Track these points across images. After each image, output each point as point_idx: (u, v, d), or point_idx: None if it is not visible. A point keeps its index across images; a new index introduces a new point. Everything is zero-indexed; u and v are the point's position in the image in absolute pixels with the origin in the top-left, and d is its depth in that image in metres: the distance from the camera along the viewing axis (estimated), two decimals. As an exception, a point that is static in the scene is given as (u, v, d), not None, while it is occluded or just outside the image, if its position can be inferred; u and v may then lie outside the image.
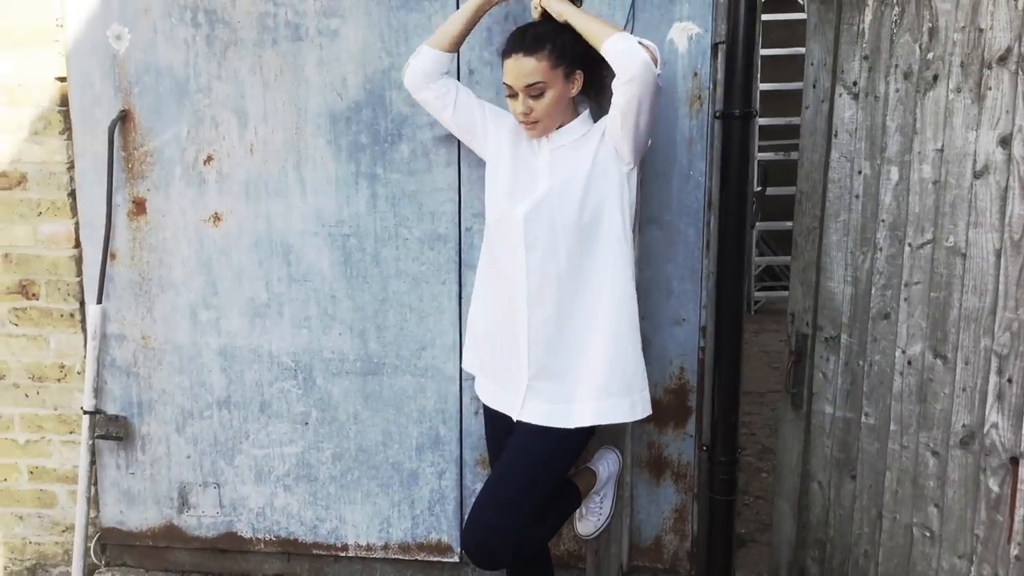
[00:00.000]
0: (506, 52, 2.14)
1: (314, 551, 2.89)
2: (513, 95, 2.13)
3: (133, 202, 2.74)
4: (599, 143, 2.14)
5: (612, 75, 2.07)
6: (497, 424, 2.31)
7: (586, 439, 2.23)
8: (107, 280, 2.78)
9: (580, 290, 2.15)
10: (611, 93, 2.07)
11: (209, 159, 2.69)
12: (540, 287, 2.14)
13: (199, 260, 2.74)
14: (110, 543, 2.99)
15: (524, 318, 2.16)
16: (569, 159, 2.16)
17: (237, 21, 2.59)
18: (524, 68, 2.08)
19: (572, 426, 2.17)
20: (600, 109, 2.22)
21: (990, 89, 1.96)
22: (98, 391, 2.84)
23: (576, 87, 2.15)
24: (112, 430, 2.83)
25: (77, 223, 2.79)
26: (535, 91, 2.09)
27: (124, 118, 2.69)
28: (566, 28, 2.11)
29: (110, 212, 2.72)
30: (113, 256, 2.77)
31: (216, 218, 2.72)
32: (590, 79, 2.17)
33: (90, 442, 2.83)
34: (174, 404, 2.84)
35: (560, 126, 2.18)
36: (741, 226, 2.44)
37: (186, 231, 2.73)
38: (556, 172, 2.16)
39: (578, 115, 2.20)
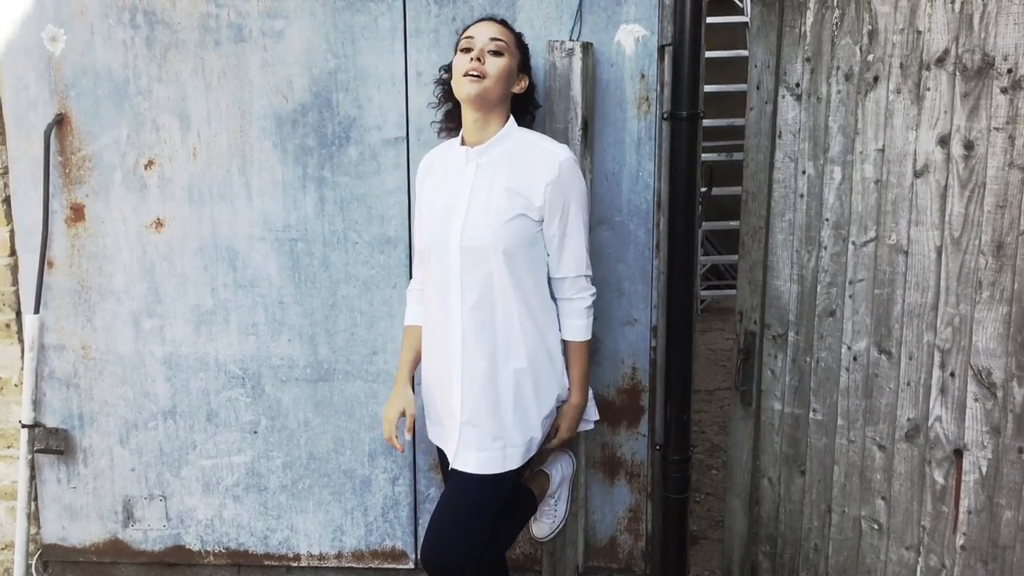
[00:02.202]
0: (471, 24, 2.17)
1: (265, 562, 2.84)
2: (468, 49, 2.09)
3: (71, 208, 2.66)
4: (527, 197, 2.08)
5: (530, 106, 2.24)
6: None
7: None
8: (44, 289, 2.69)
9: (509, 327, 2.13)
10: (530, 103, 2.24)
11: (150, 163, 2.62)
12: (475, 323, 2.11)
13: (141, 267, 2.68)
14: (52, 560, 2.90)
15: (459, 357, 2.13)
16: (491, 179, 2.11)
17: (178, 22, 2.54)
18: (493, 28, 2.11)
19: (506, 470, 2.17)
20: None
21: (929, 90, 2.01)
22: (37, 403, 2.75)
23: (520, 86, 2.17)
24: (52, 443, 2.75)
25: (12, 230, 2.70)
26: (496, 48, 2.08)
27: (61, 122, 2.61)
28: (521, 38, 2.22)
29: (47, 219, 2.64)
30: (51, 264, 2.69)
31: (158, 224, 2.65)
32: (524, 96, 2.21)
33: (29, 456, 2.74)
34: (117, 415, 2.77)
35: (488, 135, 2.13)
36: (690, 226, 2.46)
37: (127, 237, 2.66)
38: (477, 194, 2.10)
39: (506, 120, 2.15)
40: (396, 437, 2.28)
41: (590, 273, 2.21)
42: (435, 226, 2.14)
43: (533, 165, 2.09)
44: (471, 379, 2.12)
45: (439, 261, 2.13)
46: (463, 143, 2.17)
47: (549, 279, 2.19)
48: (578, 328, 2.20)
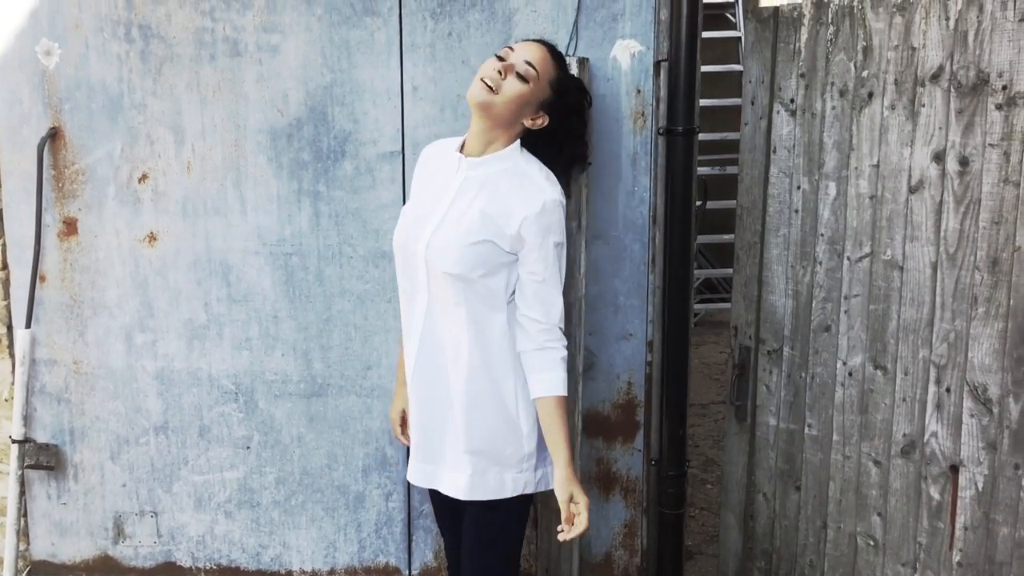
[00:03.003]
0: (528, 39, 2.07)
1: (257, 578, 2.82)
2: (502, 59, 1.98)
3: (64, 222, 2.65)
4: (500, 225, 1.96)
5: (572, 151, 2.12)
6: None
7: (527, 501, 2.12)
8: (36, 303, 2.67)
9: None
10: (561, 149, 2.10)
11: (144, 177, 2.61)
12: (430, 338, 2.04)
13: (134, 281, 2.66)
14: (41, 577, 2.87)
15: (412, 363, 2.08)
16: (473, 195, 2.00)
17: (173, 36, 2.53)
18: (534, 54, 1.99)
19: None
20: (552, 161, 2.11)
21: (923, 106, 2.02)
22: (27, 419, 2.72)
23: (537, 123, 2.02)
24: (42, 459, 2.73)
25: (4, 244, 2.68)
26: (524, 72, 1.95)
27: (54, 136, 2.60)
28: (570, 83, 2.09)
29: (39, 233, 2.63)
30: (43, 278, 2.67)
31: (152, 238, 2.64)
32: (549, 135, 2.06)
33: (19, 472, 2.71)
34: (108, 431, 2.74)
35: (488, 150, 2.03)
36: (686, 241, 2.46)
37: (120, 251, 2.65)
38: (456, 206, 2.00)
39: (512, 142, 2.04)
40: (404, 435, 2.30)
41: (563, 327, 2.02)
42: (408, 227, 2.05)
43: (517, 195, 1.97)
44: (419, 396, 2.08)
45: (406, 263, 2.05)
46: (462, 148, 2.08)
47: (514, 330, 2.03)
48: (553, 381, 1.97)
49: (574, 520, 1.96)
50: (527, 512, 2.15)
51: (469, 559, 2.11)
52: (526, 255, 1.98)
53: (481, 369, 2.01)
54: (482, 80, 1.96)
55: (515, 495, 2.05)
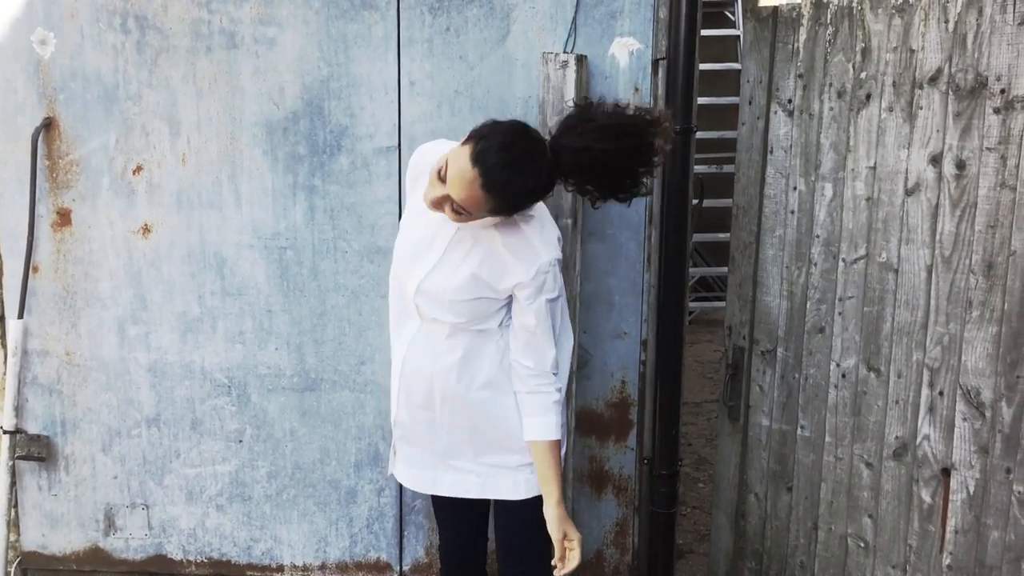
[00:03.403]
0: (469, 143, 1.79)
1: (248, 573, 2.81)
2: (443, 180, 1.80)
3: (57, 213, 2.64)
4: (494, 287, 1.93)
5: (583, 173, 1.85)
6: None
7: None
8: (29, 294, 2.66)
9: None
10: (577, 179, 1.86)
11: (139, 169, 2.60)
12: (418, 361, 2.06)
13: (128, 273, 2.65)
14: (31, 568, 2.86)
15: (396, 381, 2.11)
16: (468, 248, 1.94)
17: (169, 27, 2.52)
18: (473, 194, 1.76)
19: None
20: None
21: (921, 109, 2.01)
22: (19, 409, 2.71)
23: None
24: (34, 450, 2.72)
25: (-3, 234, 2.67)
26: (461, 210, 1.81)
27: (48, 126, 2.59)
28: (539, 185, 1.83)
29: (33, 223, 2.61)
30: (36, 269, 2.66)
31: (146, 229, 2.63)
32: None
33: (10, 463, 2.71)
34: (100, 422, 2.74)
35: None
36: (682, 240, 2.46)
37: (114, 243, 2.64)
38: (451, 255, 1.96)
39: None
40: None
41: (556, 372, 2.00)
42: (400, 263, 2.04)
43: (511, 259, 1.91)
44: (403, 416, 2.11)
45: (397, 298, 2.08)
46: None
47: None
48: (544, 425, 1.97)
49: (567, 556, 1.99)
50: None
51: (511, 542, 2.16)
52: (519, 308, 1.96)
53: (477, 385, 2.03)
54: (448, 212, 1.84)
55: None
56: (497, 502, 2.14)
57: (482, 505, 2.21)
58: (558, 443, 2.01)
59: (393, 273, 2.09)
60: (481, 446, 2.07)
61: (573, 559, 1.98)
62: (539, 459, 1.99)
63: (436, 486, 2.14)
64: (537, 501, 2.04)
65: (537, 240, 1.92)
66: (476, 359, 2.02)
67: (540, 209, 1.99)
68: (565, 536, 1.99)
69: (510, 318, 2.01)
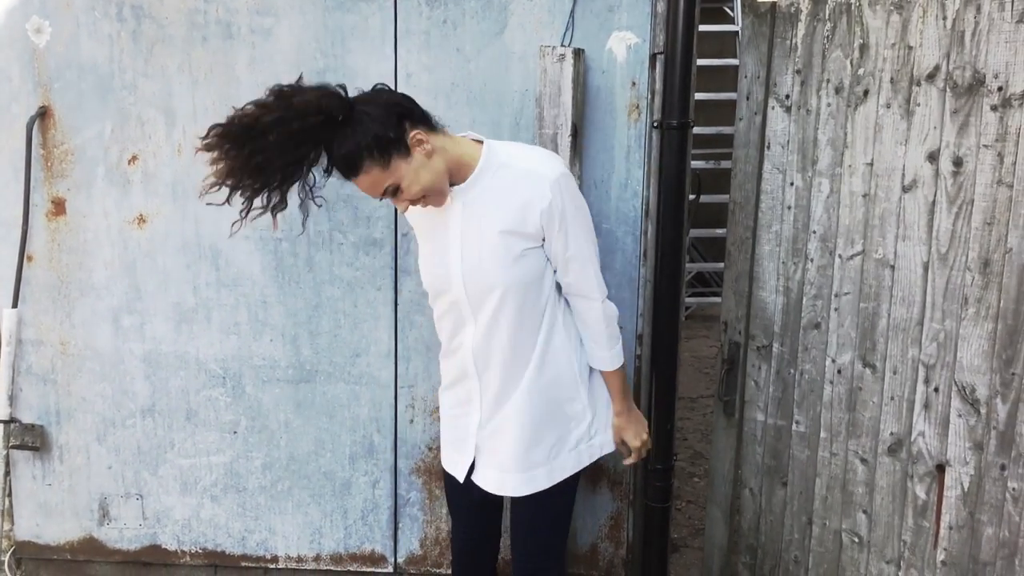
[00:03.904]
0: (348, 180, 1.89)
1: (242, 563, 2.81)
2: (381, 199, 1.92)
3: (52, 202, 2.63)
4: (514, 232, 1.93)
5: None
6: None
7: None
8: (23, 283, 2.66)
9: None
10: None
11: (134, 159, 2.59)
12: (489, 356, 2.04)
13: (122, 263, 2.64)
14: (26, 557, 2.86)
15: (476, 385, 2.07)
16: (480, 218, 1.94)
17: (165, 17, 2.51)
18: (364, 185, 1.86)
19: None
20: None
21: (919, 105, 2.01)
22: (13, 399, 2.71)
23: (427, 145, 1.86)
24: (28, 439, 2.71)
25: (-8, 223, 2.66)
26: (389, 194, 1.87)
27: (43, 115, 2.58)
28: (363, 119, 1.82)
29: (27, 212, 2.60)
30: (30, 258, 2.65)
31: (141, 220, 2.62)
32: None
33: (4, 452, 2.70)
34: (94, 412, 2.73)
35: (467, 175, 1.94)
36: (678, 235, 2.45)
37: (109, 233, 2.63)
38: (469, 236, 1.95)
39: (474, 159, 1.94)
40: None
41: (605, 293, 2.05)
42: (433, 273, 2.04)
43: (522, 196, 1.91)
44: (489, 404, 2.07)
45: (447, 304, 2.04)
46: None
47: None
48: (601, 359, 2.08)
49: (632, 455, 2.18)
50: (577, 484, 2.18)
51: (528, 540, 2.15)
52: (551, 237, 1.95)
53: (538, 370, 2.04)
54: (410, 204, 1.91)
55: (575, 471, 2.13)
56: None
57: (499, 500, 2.21)
58: (622, 371, 2.11)
59: (434, 291, 2.06)
60: (536, 438, 2.07)
61: (632, 456, 2.18)
62: (607, 381, 2.13)
63: (504, 487, 2.09)
64: (555, 491, 2.08)
65: (532, 165, 1.95)
66: (535, 328, 2.02)
67: (518, 148, 2.03)
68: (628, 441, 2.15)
69: (559, 293, 2.04)
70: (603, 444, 2.15)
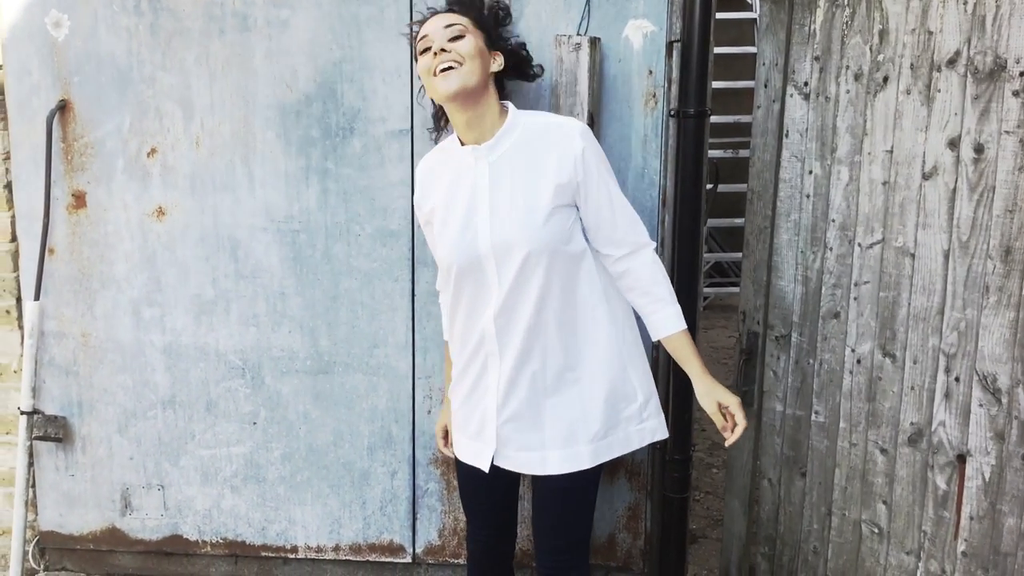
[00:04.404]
0: (425, 18, 2.01)
1: (262, 553, 2.83)
2: (427, 48, 1.93)
3: (73, 195, 2.65)
4: (549, 182, 1.93)
5: (527, 66, 2.13)
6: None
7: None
8: (45, 276, 2.68)
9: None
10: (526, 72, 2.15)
11: (153, 151, 2.61)
12: (514, 332, 2.00)
13: (142, 255, 2.66)
14: (49, 547, 2.90)
15: (496, 365, 2.02)
16: (510, 175, 1.95)
17: (183, 10, 2.52)
18: (444, 18, 1.96)
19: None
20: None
21: (939, 91, 1.99)
22: (36, 390, 2.74)
23: (497, 62, 2.00)
24: (51, 431, 2.75)
25: (13, 216, 2.69)
26: (454, 33, 1.92)
27: (63, 108, 2.60)
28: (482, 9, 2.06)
29: (48, 205, 2.63)
30: (51, 251, 2.68)
31: (160, 212, 2.64)
32: (512, 66, 2.09)
33: (28, 443, 2.73)
34: (116, 404, 2.76)
35: (492, 133, 1.97)
36: (696, 224, 2.44)
37: (128, 225, 2.65)
38: (499, 194, 1.95)
39: (506, 113, 2.00)
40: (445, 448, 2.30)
41: (654, 243, 2.04)
42: (457, 240, 1.97)
43: (553, 147, 1.94)
44: (509, 385, 2.01)
45: (471, 275, 1.98)
46: (462, 143, 2.01)
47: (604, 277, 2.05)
48: (668, 317, 2.03)
49: (729, 425, 2.04)
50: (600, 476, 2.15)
51: (553, 532, 2.10)
52: (589, 190, 1.96)
53: (575, 343, 2.01)
54: (439, 72, 1.91)
55: (640, 447, 2.10)
56: (539, 481, 2.08)
57: (515, 490, 2.20)
58: (686, 332, 2.05)
59: (460, 264, 1.98)
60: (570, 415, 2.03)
61: (740, 422, 2.01)
62: (674, 351, 2.07)
63: (546, 465, 2.04)
64: (587, 479, 2.05)
65: (556, 119, 2.01)
66: (570, 301, 1.99)
67: (538, 112, 2.09)
68: (720, 406, 2.03)
69: (586, 254, 2.01)
70: (654, 430, 2.12)
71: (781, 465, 2.45)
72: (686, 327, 2.06)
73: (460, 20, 1.96)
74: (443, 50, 1.91)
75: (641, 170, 2.50)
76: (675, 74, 2.43)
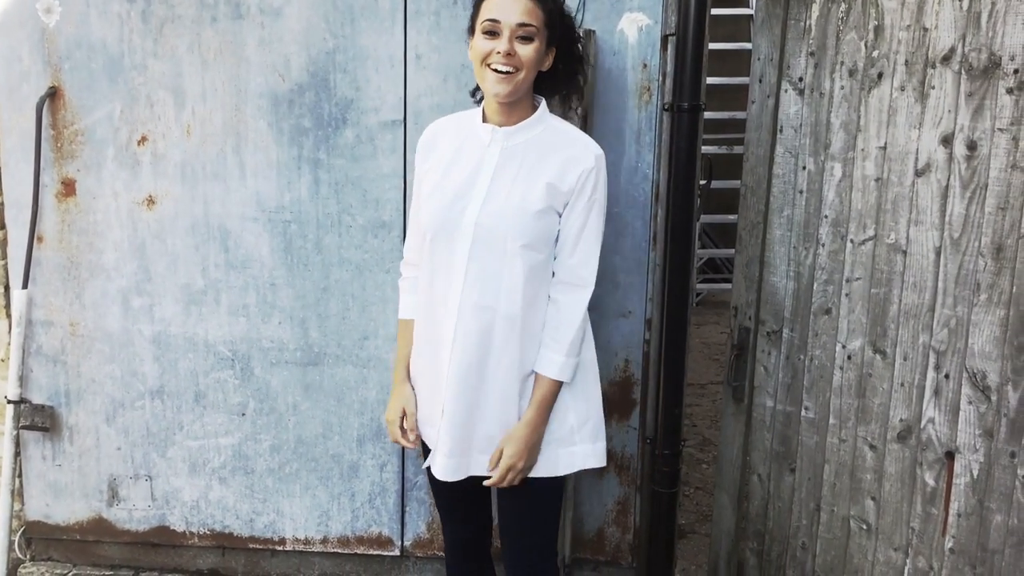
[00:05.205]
0: None
1: (250, 545, 2.82)
2: (493, 32, 1.87)
3: (62, 183, 2.63)
4: (550, 183, 1.91)
5: (579, 76, 2.05)
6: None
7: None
8: (33, 264, 2.66)
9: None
10: (574, 84, 2.06)
11: (143, 139, 2.59)
12: (474, 316, 1.95)
13: (132, 244, 2.65)
14: (36, 537, 2.88)
15: (447, 352, 1.96)
16: (518, 165, 1.94)
17: (175, -3, 2.50)
18: (522, 5, 1.86)
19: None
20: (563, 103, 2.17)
21: (933, 88, 1.98)
22: (23, 379, 2.72)
23: (547, 63, 1.96)
24: (38, 420, 2.73)
25: (2, 204, 2.67)
26: (525, 33, 1.86)
27: (53, 95, 2.58)
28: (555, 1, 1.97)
29: (37, 193, 2.61)
30: (40, 239, 2.66)
31: (150, 201, 2.62)
32: (556, 71, 2.00)
33: (15, 432, 2.72)
34: (104, 393, 2.74)
35: (517, 121, 1.96)
36: (688, 219, 2.44)
37: (118, 214, 2.63)
38: (501, 178, 1.94)
39: (535, 108, 2.00)
40: (404, 436, 2.12)
41: (592, 284, 1.99)
42: (444, 206, 1.94)
43: (568, 154, 1.94)
44: (457, 375, 1.95)
45: (445, 244, 1.94)
46: (484, 119, 1.99)
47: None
48: (552, 361, 1.97)
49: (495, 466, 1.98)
50: (563, 484, 2.12)
51: (517, 538, 2.08)
52: (575, 204, 1.94)
53: (536, 343, 1.97)
54: (495, 71, 1.87)
55: (567, 473, 2.03)
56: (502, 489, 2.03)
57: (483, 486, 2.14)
58: (555, 383, 1.97)
59: (436, 228, 1.95)
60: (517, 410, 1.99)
61: (494, 476, 1.96)
62: (536, 387, 1.97)
63: (476, 468, 2.01)
64: (542, 487, 2.01)
65: (580, 135, 2.01)
66: (536, 307, 1.96)
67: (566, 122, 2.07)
68: (501, 452, 1.96)
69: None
70: (586, 456, 2.04)
71: (771, 461, 2.45)
72: (560, 381, 1.97)
73: (535, 16, 1.88)
74: (508, 53, 1.86)
75: (634, 164, 2.49)
76: (670, 68, 2.42)
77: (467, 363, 1.95)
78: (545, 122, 1.99)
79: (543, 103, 2.01)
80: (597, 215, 1.97)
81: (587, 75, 2.14)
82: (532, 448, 1.97)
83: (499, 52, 1.86)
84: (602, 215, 1.99)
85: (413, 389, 2.11)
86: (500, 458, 1.96)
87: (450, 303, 1.95)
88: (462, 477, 2.01)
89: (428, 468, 2.07)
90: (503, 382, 1.97)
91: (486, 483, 1.98)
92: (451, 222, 1.93)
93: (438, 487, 2.12)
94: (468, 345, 1.95)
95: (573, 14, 2.09)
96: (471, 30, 1.94)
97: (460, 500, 2.15)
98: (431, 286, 1.99)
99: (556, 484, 2.06)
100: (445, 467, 1.99)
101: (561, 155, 1.94)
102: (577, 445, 2.03)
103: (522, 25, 1.86)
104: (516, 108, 1.96)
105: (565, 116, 2.31)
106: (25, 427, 2.73)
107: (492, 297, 1.93)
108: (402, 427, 2.11)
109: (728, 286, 5.93)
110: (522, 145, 1.96)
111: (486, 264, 1.92)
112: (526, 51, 1.87)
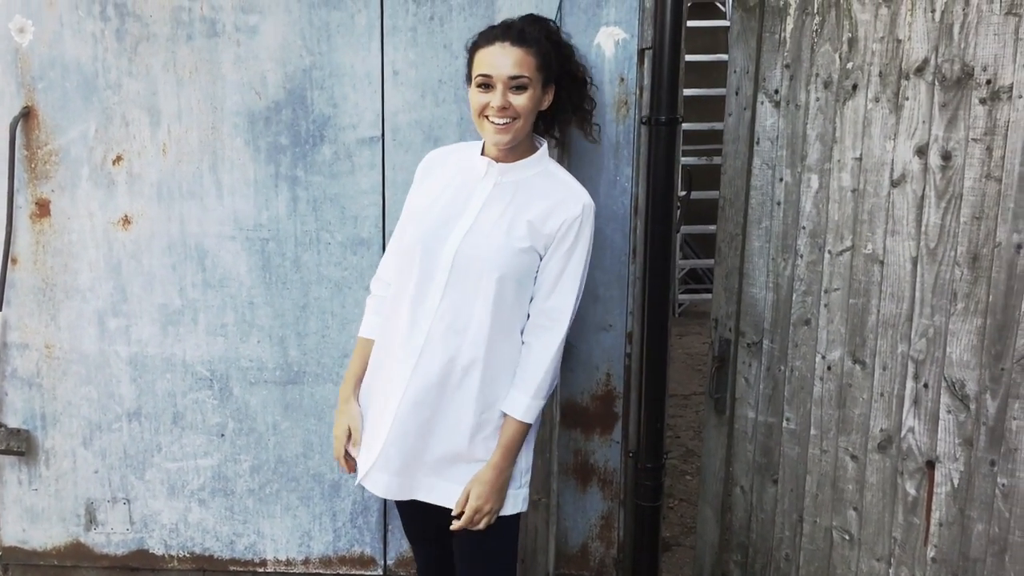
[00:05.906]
0: (484, 41, 1.94)
1: (231, 568, 2.79)
2: (487, 86, 1.91)
3: (36, 204, 2.60)
4: (531, 221, 1.94)
5: (584, 103, 2.08)
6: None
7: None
8: (7, 286, 2.63)
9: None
10: (579, 121, 2.11)
11: (119, 159, 2.57)
12: (442, 343, 1.96)
13: (108, 265, 2.62)
14: (12, 563, 2.84)
15: (409, 372, 1.98)
16: (508, 201, 1.96)
17: (149, 15, 2.49)
18: (512, 57, 1.90)
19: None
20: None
21: (907, 99, 2.00)
22: (-2, 403, 2.69)
23: (547, 102, 2.00)
24: (13, 444, 2.69)
25: (-25, 225, 2.63)
26: (518, 84, 1.90)
27: (27, 115, 2.55)
28: (548, 38, 2.00)
29: (11, 214, 2.58)
30: (14, 260, 2.63)
31: (126, 221, 2.60)
32: (561, 102, 2.04)
33: (-11, 457, 2.68)
34: (80, 416, 2.71)
35: (516, 159, 1.99)
36: (667, 232, 2.44)
37: (94, 234, 2.61)
38: (489, 211, 1.96)
39: (536, 149, 2.03)
40: (345, 457, 2.13)
41: (564, 327, 1.98)
42: (429, 230, 1.96)
43: (557, 199, 1.96)
44: (415, 397, 1.96)
45: (423, 267, 1.95)
46: (483, 152, 2.02)
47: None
48: (519, 403, 1.98)
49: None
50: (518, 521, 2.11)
51: (471, 572, 2.08)
52: (557, 250, 1.95)
53: (499, 377, 1.97)
54: (493, 123, 1.91)
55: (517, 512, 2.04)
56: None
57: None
58: (522, 424, 1.97)
59: (412, 245, 1.97)
60: (478, 445, 1.99)
61: (461, 519, 1.96)
62: (504, 428, 1.98)
63: (421, 492, 2.02)
64: (508, 521, 2.01)
65: (573, 183, 2.02)
66: (504, 343, 1.96)
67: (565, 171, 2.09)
68: (467, 497, 1.96)
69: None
70: (525, 500, 2.05)
71: (753, 472, 2.45)
72: (526, 423, 1.97)
73: (526, 66, 1.91)
74: (503, 107, 1.90)
75: (613, 177, 2.50)
76: (647, 81, 2.43)
77: (427, 385, 1.96)
78: (543, 165, 2.03)
79: (544, 146, 2.05)
80: (578, 262, 1.97)
81: (595, 100, 2.15)
82: (499, 490, 1.97)
83: (494, 106, 1.90)
84: (583, 263, 1.99)
85: (359, 408, 2.11)
86: (467, 500, 1.95)
87: (421, 324, 1.96)
88: (405, 498, 2.03)
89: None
90: (458, 411, 1.97)
91: (453, 526, 1.97)
92: (433, 246, 1.95)
93: (408, 514, 2.15)
94: (432, 369, 1.95)
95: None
96: (468, 79, 1.98)
97: (431, 522, 2.14)
98: (403, 305, 1.99)
99: (512, 520, 2.05)
100: (388, 484, 2.01)
101: (550, 199, 1.96)
102: (522, 488, 2.04)
103: (514, 77, 1.90)
104: (516, 147, 1.99)
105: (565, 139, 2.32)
106: (1, 452, 2.69)
107: (463, 324, 1.94)
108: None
109: (709, 296, 5.95)
110: (515, 183, 1.99)
111: (462, 291, 1.94)
112: (521, 101, 1.91)
